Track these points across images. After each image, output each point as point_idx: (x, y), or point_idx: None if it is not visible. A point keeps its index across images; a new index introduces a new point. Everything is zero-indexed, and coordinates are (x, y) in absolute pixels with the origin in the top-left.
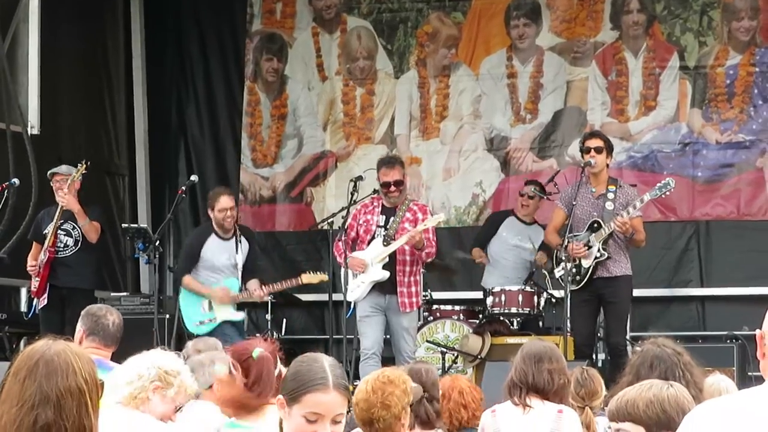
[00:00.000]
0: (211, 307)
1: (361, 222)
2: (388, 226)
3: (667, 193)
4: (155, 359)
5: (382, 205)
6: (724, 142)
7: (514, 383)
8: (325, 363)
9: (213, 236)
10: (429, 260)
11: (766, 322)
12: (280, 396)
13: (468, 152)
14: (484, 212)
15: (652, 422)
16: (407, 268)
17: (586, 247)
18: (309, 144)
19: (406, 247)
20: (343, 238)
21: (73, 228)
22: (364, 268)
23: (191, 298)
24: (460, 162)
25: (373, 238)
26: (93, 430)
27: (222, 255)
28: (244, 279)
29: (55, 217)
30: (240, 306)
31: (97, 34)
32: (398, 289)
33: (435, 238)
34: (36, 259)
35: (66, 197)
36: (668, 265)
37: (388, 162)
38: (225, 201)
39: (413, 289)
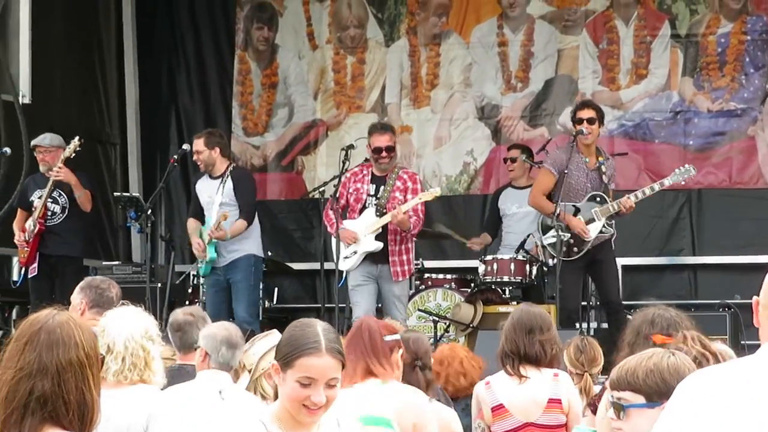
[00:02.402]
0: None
1: (351, 190)
2: (379, 195)
3: (687, 177)
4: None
5: (372, 174)
6: (716, 111)
7: (506, 353)
8: (318, 327)
9: (204, 176)
10: (417, 233)
11: (763, 290)
12: (274, 361)
13: (459, 121)
14: (475, 181)
15: (651, 391)
16: (398, 237)
17: (584, 219)
18: (300, 113)
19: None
20: (333, 207)
21: (60, 195)
22: (356, 240)
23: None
24: (451, 131)
25: (364, 207)
26: (95, 404)
27: (203, 194)
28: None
29: (47, 190)
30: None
31: (88, 3)
32: (390, 258)
33: (423, 208)
34: (21, 227)
35: (62, 171)
36: (660, 233)
37: (379, 128)
38: (195, 143)
39: (405, 257)
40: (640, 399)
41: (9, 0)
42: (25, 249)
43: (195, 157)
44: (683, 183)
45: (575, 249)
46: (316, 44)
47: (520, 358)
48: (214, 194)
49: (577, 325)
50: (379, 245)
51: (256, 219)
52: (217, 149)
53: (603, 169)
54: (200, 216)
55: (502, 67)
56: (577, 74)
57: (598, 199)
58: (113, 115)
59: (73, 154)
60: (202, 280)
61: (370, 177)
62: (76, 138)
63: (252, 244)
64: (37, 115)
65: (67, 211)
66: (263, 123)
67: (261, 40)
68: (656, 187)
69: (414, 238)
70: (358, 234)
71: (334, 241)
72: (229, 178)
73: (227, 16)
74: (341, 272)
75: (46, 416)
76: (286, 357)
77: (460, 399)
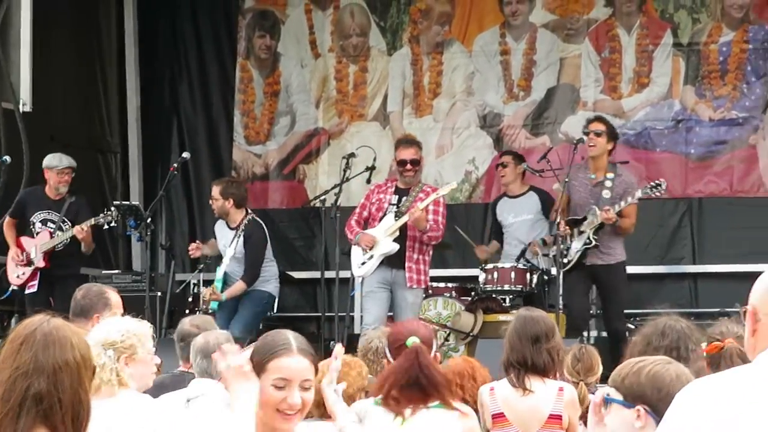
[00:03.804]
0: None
1: (374, 200)
2: (400, 204)
3: (658, 194)
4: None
5: (396, 186)
6: (717, 119)
7: (511, 363)
8: (288, 333)
9: (221, 221)
10: (433, 243)
11: (757, 297)
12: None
13: (461, 129)
14: (477, 189)
15: (627, 392)
16: (417, 245)
17: (568, 228)
18: (301, 121)
19: None
20: (354, 219)
21: (64, 222)
22: (373, 243)
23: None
24: (453, 139)
25: (384, 215)
26: (88, 407)
27: (220, 241)
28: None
29: (60, 237)
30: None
31: (90, 11)
32: (406, 264)
33: (444, 220)
34: (15, 241)
35: (87, 235)
36: (661, 242)
37: (406, 141)
38: (213, 191)
39: (422, 267)
40: (619, 397)
41: (10, 8)
42: (22, 273)
43: (210, 202)
44: (654, 196)
45: (565, 260)
46: (318, 52)
47: (527, 368)
48: (228, 245)
49: (585, 334)
50: (396, 246)
51: (274, 262)
52: (231, 200)
53: (607, 183)
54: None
55: (504, 76)
56: (579, 83)
57: (592, 212)
58: (114, 124)
59: (112, 223)
60: (203, 289)
61: (393, 189)
62: (112, 208)
63: (270, 286)
64: (38, 123)
65: (70, 238)
66: (265, 131)
67: (263, 48)
68: (629, 199)
69: (431, 250)
70: (377, 237)
71: (352, 248)
72: (242, 233)
73: (229, 25)
74: (346, 282)
75: (40, 415)
76: (259, 362)
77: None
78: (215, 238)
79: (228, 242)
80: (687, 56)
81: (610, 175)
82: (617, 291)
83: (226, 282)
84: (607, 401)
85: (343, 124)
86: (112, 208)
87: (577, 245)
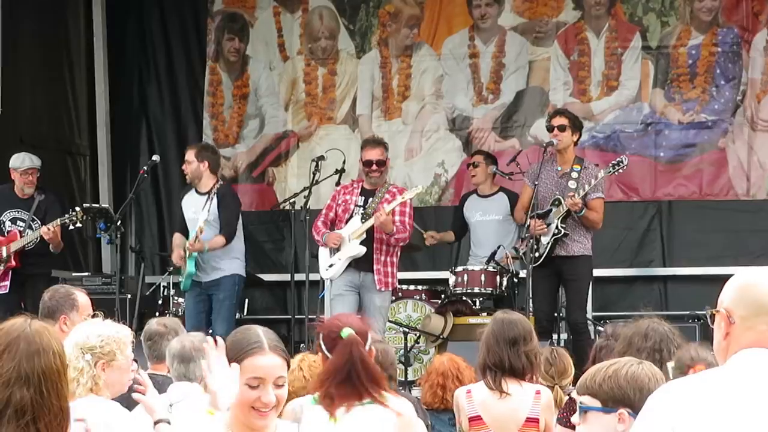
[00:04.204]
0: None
1: (339, 202)
2: (366, 206)
3: (621, 171)
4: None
5: (362, 187)
6: (687, 123)
7: (487, 365)
8: (259, 330)
9: (191, 191)
10: (400, 244)
11: (729, 299)
12: None
13: (430, 132)
14: (446, 192)
15: (607, 397)
16: (384, 247)
17: (545, 224)
18: (271, 124)
19: None
20: (321, 220)
21: (33, 221)
22: (340, 241)
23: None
24: (422, 142)
25: (351, 216)
26: (68, 413)
27: (189, 209)
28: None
29: (29, 237)
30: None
31: (58, 13)
32: (375, 267)
33: (411, 221)
34: None
35: (55, 235)
36: (630, 245)
37: (372, 141)
38: (187, 154)
39: (390, 269)
40: (597, 403)
41: None
42: None
43: (184, 167)
44: (617, 174)
45: (537, 254)
46: (287, 55)
47: (504, 371)
48: (200, 210)
49: (555, 336)
50: (363, 249)
51: (242, 239)
52: (206, 163)
53: (573, 175)
54: (186, 231)
55: (473, 79)
56: (548, 86)
57: (556, 202)
58: (83, 127)
59: (77, 224)
60: (173, 291)
61: (359, 190)
62: (78, 208)
63: (237, 264)
64: (7, 125)
65: (40, 236)
66: (234, 134)
67: (232, 51)
68: (592, 181)
69: (399, 252)
70: (343, 236)
71: (319, 250)
72: (215, 195)
73: (198, 28)
74: (316, 284)
75: (22, 426)
76: (231, 361)
77: (449, 409)
78: (183, 214)
79: (199, 208)
80: (656, 59)
81: (576, 167)
82: (579, 283)
83: (197, 266)
84: (583, 410)
85: (312, 127)
86: (77, 209)
87: (545, 238)
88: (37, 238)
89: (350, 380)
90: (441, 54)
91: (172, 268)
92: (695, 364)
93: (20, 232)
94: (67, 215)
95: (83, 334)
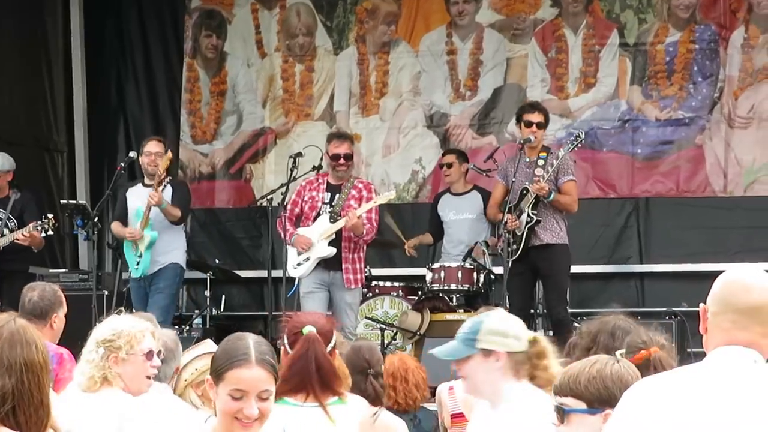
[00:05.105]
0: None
1: (305, 198)
2: (333, 203)
3: (579, 145)
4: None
5: (327, 182)
6: (664, 119)
7: None
8: (250, 340)
9: (137, 185)
10: (367, 241)
11: (709, 295)
12: (209, 377)
13: (407, 129)
14: (423, 189)
15: (593, 398)
16: (352, 245)
17: (516, 217)
18: (248, 120)
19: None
20: (285, 215)
21: (10, 219)
22: (309, 246)
23: (126, 244)
24: (400, 139)
25: (318, 214)
26: (49, 408)
27: (136, 200)
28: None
29: (8, 237)
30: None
31: (35, 10)
32: (343, 266)
33: (377, 217)
34: None
35: (29, 240)
36: (608, 241)
37: (339, 135)
38: (150, 145)
39: (358, 266)
40: (582, 405)
41: None
42: None
43: (150, 159)
44: (577, 149)
45: (514, 246)
46: (264, 52)
47: None
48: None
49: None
50: (333, 251)
51: (183, 231)
52: (170, 154)
53: (540, 162)
54: (125, 222)
55: (450, 76)
56: (526, 83)
57: (524, 191)
58: (60, 123)
59: (49, 231)
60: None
61: (325, 185)
62: (50, 215)
63: (179, 254)
64: None
65: (15, 230)
66: (212, 131)
67: (210, 47)
68: (554, 162)
69: (365, 247)
70: (312, 240)
71: (284, 248)
72: (168, 186)
73: (176, 24)
74: (292, 280)
75: (2, 414)
76: (217, 370)
77: (410, 411)
78: (126, 209)
79: (145, 199)
80: (634, 56)
81: (543, 155)
82: (556, 277)
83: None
84: (566, 412)
85: (289, 124)
86: (50, 216)
87: (519, 230)
88: (15, 237)
89: (300, 376)
90: (418, 51)
91: (119, 249)
92: (648, 348)
93: None
94: (39, 222)
95: (103, 328)
